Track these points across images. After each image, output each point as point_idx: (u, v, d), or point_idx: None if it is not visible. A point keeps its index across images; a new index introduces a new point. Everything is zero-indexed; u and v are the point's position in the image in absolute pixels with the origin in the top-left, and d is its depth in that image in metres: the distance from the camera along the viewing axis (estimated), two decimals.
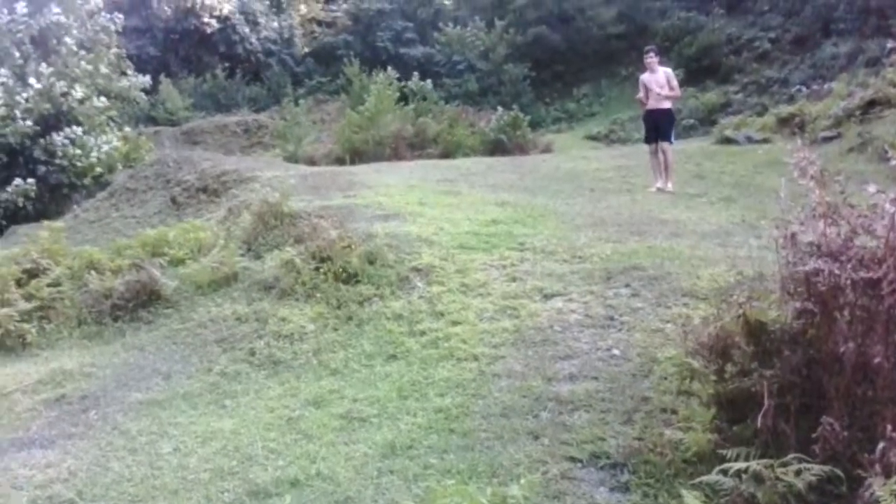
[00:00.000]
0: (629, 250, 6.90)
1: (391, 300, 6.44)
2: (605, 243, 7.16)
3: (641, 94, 11.28)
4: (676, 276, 6.13)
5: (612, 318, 5.57)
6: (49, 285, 7.73)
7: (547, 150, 19.74)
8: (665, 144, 10.94)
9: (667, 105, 11.16)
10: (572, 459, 3.99)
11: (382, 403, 5.00)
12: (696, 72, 26.57)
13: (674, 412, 4.26)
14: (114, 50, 20.56)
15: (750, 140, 15.38)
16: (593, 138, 24.69)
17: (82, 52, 19.01)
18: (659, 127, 11.02)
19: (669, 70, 11.48)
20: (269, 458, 4.48)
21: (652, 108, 11.07)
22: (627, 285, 6.07)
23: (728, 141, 15.50)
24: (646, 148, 11.63)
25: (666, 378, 4.61)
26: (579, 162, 13.78)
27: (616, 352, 5.09)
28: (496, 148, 19.14)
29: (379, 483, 4.04)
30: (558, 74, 30.27)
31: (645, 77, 11.23)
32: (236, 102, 29.33)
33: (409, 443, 4.40)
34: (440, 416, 4.63)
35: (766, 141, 15.10)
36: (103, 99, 18.24)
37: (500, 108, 20.95)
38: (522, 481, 3.40)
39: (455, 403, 4.73)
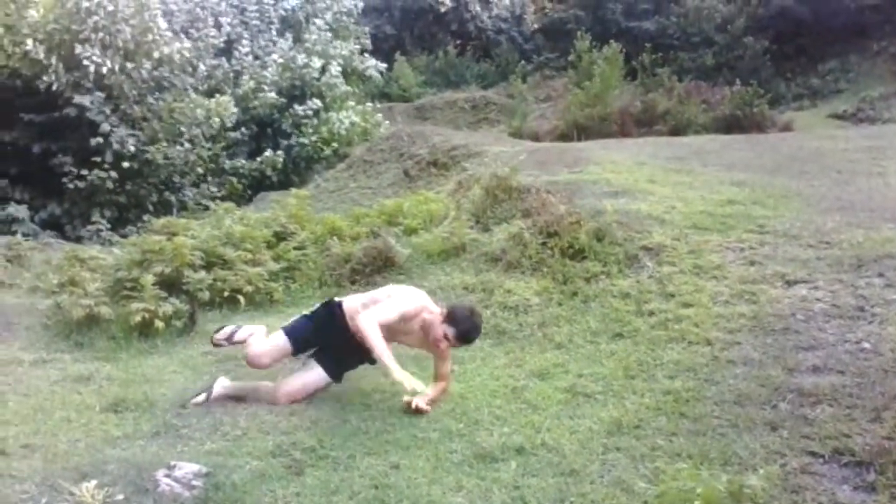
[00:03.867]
0: (883, 238, 6.33)
1: (619, 278, 6.34)
2: (856, 229, 6.60)
3: None
4: None
5: (862, 309, 5.15)
6: (295, 248, 8.30)
7: (787, 128, 18.50)
8: None
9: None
10: (813, 454, 3.75)
11: (608, 381, 4.95)
12: None
13: None
14: (356, 36, 21.71)
15: None
16: (839, 117, 22.78)
17: (328, 34, 20.25)
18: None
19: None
20: (495, 424, 4.57)
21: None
22: (881, 275, 5.57)
23: None
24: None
25: None
26: (824, 141, 12.79)
27: (866, 345, 4.71)
28: (731, 125, 18.21)
29: (605, 459, 4.00)
30: (801, 48, 28.13)
31: None
32: (465, 79, 29.92)
33: (636, 422, 4.32)
34: (669, 399, 4.51)
35: None
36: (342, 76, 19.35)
37: (736, 84, 19.90)
38: (761, 471, 3.25)
39: (686, 387, 4.58)
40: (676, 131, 17.75)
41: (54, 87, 13.33)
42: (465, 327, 4.83)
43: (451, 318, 4.83)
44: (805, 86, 26.73)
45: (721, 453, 3.82)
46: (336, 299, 5.18)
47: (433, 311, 4.94)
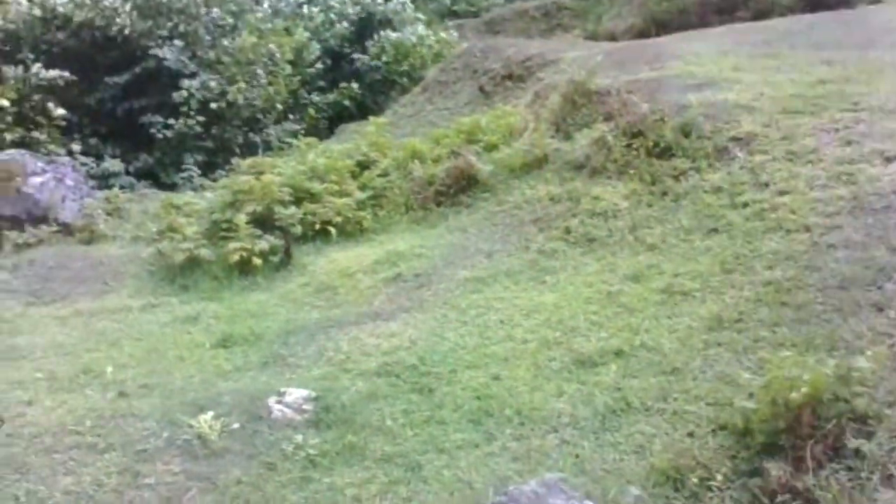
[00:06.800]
0: None
1: (709, 172, 6.16)
2: None
3: None
4: None
5: None
6: (379, 175, 8.38)
7: (876, 0, 17.38)
8: None
9: None
10: None
11: (705, 277, 4.87)
12: None
13: None
14: None
15: None
16: None
17: None
18: None
19: None
20: (592, 330, 4.59)
21: None
22: None
23: None
24: None
25: None
26: None
27: None
28: (817, 4, 17.13)
29: (707, 355, 3.98)
30: None
31: None
32: None
33: (736, 316, 4.27)
34: (770, 289, 4.41)
35: None
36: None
37: None
38: (868, 353, 3.17)
39: (786, 276, 4.47)
40: (760, 16, 16.80)
41: (127, 32, 13.48)
42: None
43: None
44: None
45: (827, 339, 3.75)
46: None
47: None
